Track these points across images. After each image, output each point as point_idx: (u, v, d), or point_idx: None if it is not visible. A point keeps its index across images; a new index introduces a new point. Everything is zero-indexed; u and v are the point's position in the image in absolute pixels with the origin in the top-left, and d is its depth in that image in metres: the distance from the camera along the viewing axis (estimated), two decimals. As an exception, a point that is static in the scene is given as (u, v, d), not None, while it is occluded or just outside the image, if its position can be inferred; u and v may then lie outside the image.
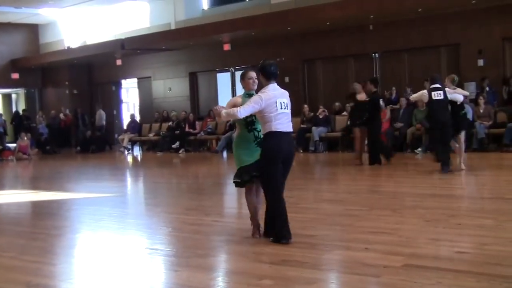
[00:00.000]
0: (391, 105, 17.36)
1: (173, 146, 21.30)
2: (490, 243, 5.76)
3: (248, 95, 6.46)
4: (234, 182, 6.48)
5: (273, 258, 5.68)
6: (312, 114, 18.92)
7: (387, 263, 5.23)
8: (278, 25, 19.19)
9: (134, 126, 23.97)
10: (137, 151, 23.28)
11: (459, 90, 11.78)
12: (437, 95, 11.23)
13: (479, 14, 17.02)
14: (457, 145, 11.70)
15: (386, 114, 16.67)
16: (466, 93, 12.12)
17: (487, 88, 16.72)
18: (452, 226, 6.62)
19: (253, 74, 6.50)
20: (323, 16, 18.17)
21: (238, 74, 23.17)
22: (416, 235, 6.31)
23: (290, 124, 6.34)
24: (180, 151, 20.94)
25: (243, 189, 6.54)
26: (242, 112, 6.13)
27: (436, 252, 5.55)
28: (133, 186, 13.81)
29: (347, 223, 7.16)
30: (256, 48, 21.24)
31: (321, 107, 18.89)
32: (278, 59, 21.07)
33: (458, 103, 11.45)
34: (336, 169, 13.80)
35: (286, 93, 6.43)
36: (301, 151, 18.17)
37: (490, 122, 15.56)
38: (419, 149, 15.75)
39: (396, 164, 13.00)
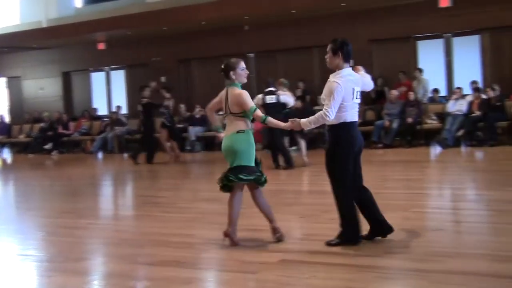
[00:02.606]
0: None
1: (45, 147, 20.60)
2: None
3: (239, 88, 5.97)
4: (230, 181, 5.88)
5: (151, 259, 5.64)
6: (188, 113, 18.92)
7: (264, 260, 5.33)
8: (154, 24, 19.04)
9: (2, 127, 22.99)
10: (6, 154, 22.28)
11: (288, 93, 12.60)
12: (270, 99, 12.15)
13: (349, 16, 17.72)
14: (302, 145, 12.70)
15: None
16: (291, 100, 12.82)
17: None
18: (326, 221, 6.82)
19: (244, 64, 6.06)
20: (199, 16, 18.22)
21: (113, 73, 22.78)
22: (292, 231, 6.47)
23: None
24: (53, 153, 20.29)
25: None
26: (331, 112, 5.43)
27: (311, 247, 5.70)
28: (2, 190, 13.23)
29: (225, 222, 7.19)
30: (132, 48, 20.99)
31: (198, 106, 18.93)
32: (153, 59, 20.95)
33: (289, 106, 12.41)
34: (213, 168, 13.86)
35: (361, 79, 5.78)
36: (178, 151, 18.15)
37: (360, 120, 16.19)
38: (294, 147, 16.13)
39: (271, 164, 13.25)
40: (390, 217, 6.78)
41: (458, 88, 15.95)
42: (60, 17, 22.06)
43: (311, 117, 5.63)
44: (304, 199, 8.50)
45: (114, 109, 20.87)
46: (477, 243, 5.59)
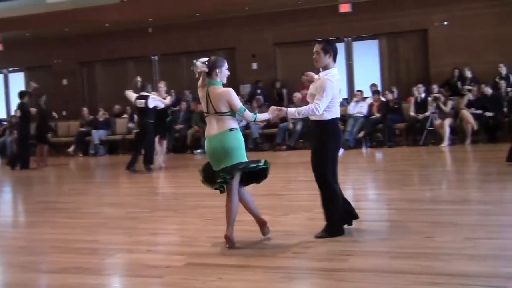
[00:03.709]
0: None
1: None
2: (268, 237, 6.06)
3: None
4: (227, 179, 5.63)
5: (53, 266, 5.49)
6: (92, 117, 18.55)
7: (169, 263, 5.30)
8: (55, 25, 18.56)
9: None
10: None
11: (158, 97, 12.84)
12: (140, 103, 12.47)
13: (253, 19, 17.92)
14: (159, 148, 12.99)
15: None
16: (166, 101, 13.09)
17: (259, 91, 17.69)
18: (231, 224, 6.87)
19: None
20: (102, 18, 17.93)
21: (11, 76, 22.02)
22: (197, 234, 6.47)
23: None
24: None
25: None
26: (321, 107, 5.68)
27: (216, 250, 5.72)
28: None
29: (129, 226, 7.13)
30: (31, 49, 20.38)
31: (101, 109, 18.59)
32: (55, 61, 20.41)
33: (159, 107, 12.69)
34: (117, 172, 13.66)
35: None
36: (81, 155, 17.78)
37: (264, 123, 16.41)
38: (199, 150, 16.14)
39: (178, 166, 13.20)
40: (294, 218, 6.92)
41: (359, 91, 16.42)
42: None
43: (299, 108, 5.78)
44: (208, 201, 8.50)
45: (12, 113, 20.17)
46: (378, 241, 5.77)
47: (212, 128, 5.72)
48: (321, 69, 5.92)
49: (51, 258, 5.81)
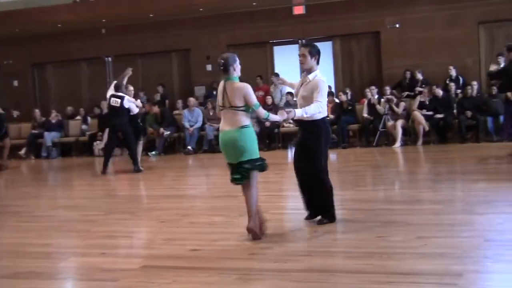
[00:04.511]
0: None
1: None
2: (221, 239, 6.08)
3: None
4: (257, 166, 5.97)
5: (5, 271, 5.39)
6: (44, 119, 18.26)
7: (125, 266, 5.27)
8: (5, 25, 18.18)
9: None
10: None
11: (132, 100, 12.68)
12: (115, 102, 12.24)
13: (208, 21, 17.91)
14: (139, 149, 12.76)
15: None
16: (139, 104, 12.96)
17: (215, 92, 17.66)
18: (186, 226, 6.87)
19: None
20: (54, 18, 17.67)
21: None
22: (153, 236, 6.45)
23: None
24: None
25: None
26: (323, 104, 6.17)
27: (172, 252, 5.71)
28: None
29: (84, 229, 7.06)
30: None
31: (54, 111, 18.32)
32: (5, 62, 20.03)
33: (132, 113, 12.46)
34: (71, 175, 13.50)
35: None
36: (33, 158, 17.50)
37: (219, 124, 16.41)
38: (153, 152, 16.06)
39: (133, 168, 13.10)
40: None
41: (313, 92, 16.52)
42: None
43: (306, 108, 6.07)
44: (163, 204, 8.48)
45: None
46: (332, 242, 5.85)
47: (227, 123, 5.99)
48: (305, 71, 6.37)
49: (3, 263, 5.71)
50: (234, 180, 6.02)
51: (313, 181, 6.31)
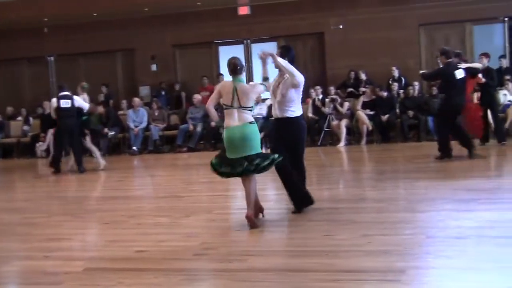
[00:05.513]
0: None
1: None
2: (166, 239, 6.05)
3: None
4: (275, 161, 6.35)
5: None
6: (-16, 119, 17.83)
7: (68, 269, 5.19)
8: None
9: None
10: None
11: (81, 98, 12.58)
12: (65, 103, 12.06)
13: (152, 20, 17.79)
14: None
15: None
16: (86, 104, 12.73)
17: (163, 92, 17.57)
18: (132, 227, 6.80)
19: None
20: (-6, 16, 17.25)
21: None
22: (97, 238, 6.38)
23: None
24: None
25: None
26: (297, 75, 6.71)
27: (117, 253, 5.65)
28: None
29: (26, 232, 6.92)
30: None
31: (-5, 111, 17.92)
32: None
33: (85, 110, 12.42)
34: (12, 177, 13.22)
35: None
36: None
37: (164, 125, 16.37)
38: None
39: (76, 169, 12.89)
40: (195, 220, 6.94)
41: (258, 92, 16.59)
42: None
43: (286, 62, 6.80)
44: (108, 205, 8.39)
45: None
46: (278, 241, 5.89)
47: (233, 120, 6.31)
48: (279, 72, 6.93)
49: None
50: (230, 175, 6.42)
51: (295, 167, 6.74)
